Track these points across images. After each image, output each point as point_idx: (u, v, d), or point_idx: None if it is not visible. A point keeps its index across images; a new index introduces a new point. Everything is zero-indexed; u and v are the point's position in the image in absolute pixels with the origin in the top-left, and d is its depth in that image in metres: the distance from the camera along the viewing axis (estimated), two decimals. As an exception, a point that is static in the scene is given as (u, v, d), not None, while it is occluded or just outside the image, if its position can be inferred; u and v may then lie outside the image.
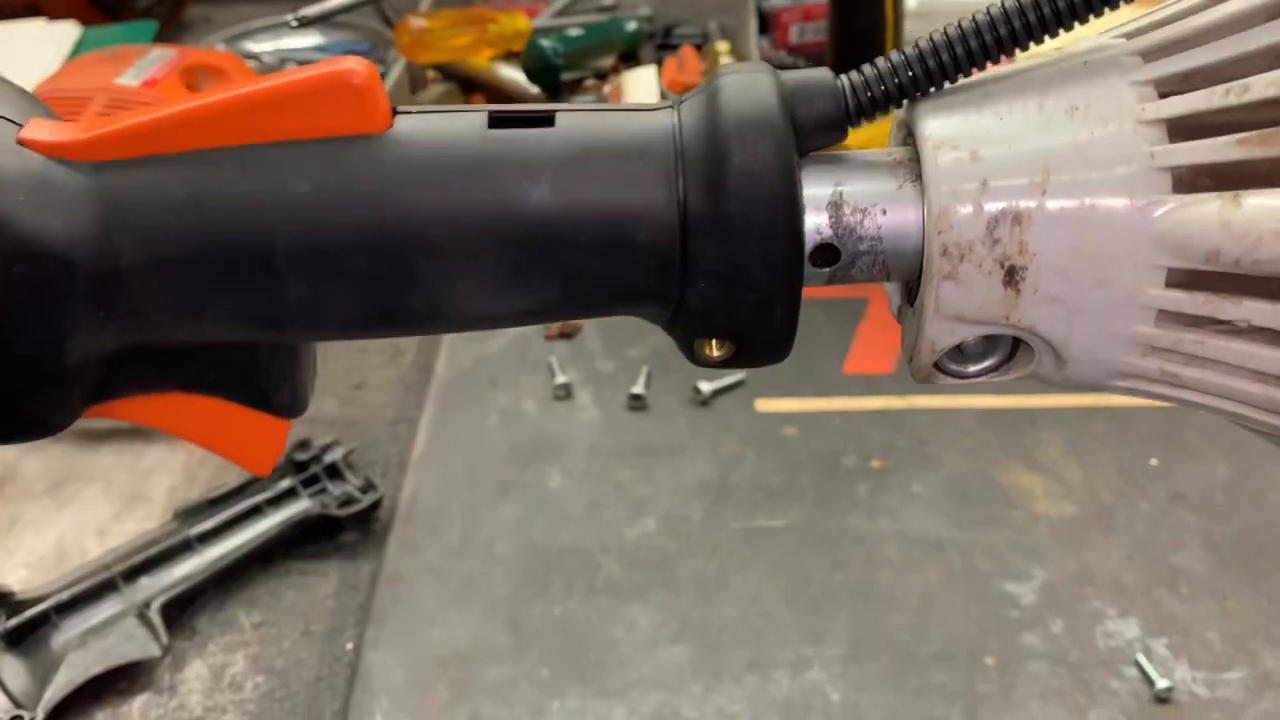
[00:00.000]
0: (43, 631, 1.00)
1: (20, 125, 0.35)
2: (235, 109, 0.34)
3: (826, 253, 0.34)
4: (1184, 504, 1.13)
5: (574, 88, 1.77)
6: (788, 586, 1.06)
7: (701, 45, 1.96)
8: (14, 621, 0.99)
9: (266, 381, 0.39)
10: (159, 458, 1.23)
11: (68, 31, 1.92)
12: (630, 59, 1.90)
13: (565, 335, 1.40)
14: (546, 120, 0.35)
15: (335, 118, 0.34)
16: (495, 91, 1.74)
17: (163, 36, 2.04)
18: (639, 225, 0.34)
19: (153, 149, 0.34)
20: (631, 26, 1.90)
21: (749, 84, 0.34)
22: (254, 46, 1.87)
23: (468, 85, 1.76)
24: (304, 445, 1.19)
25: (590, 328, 1.41)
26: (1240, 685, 0.95)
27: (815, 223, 0.34)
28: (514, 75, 1.72)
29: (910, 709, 0.95)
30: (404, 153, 0.34)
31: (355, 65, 0.34)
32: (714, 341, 0.35)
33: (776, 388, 1.30)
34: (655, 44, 1.98)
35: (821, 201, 0.34)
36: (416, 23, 1.59)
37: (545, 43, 1.69)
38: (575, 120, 0.35)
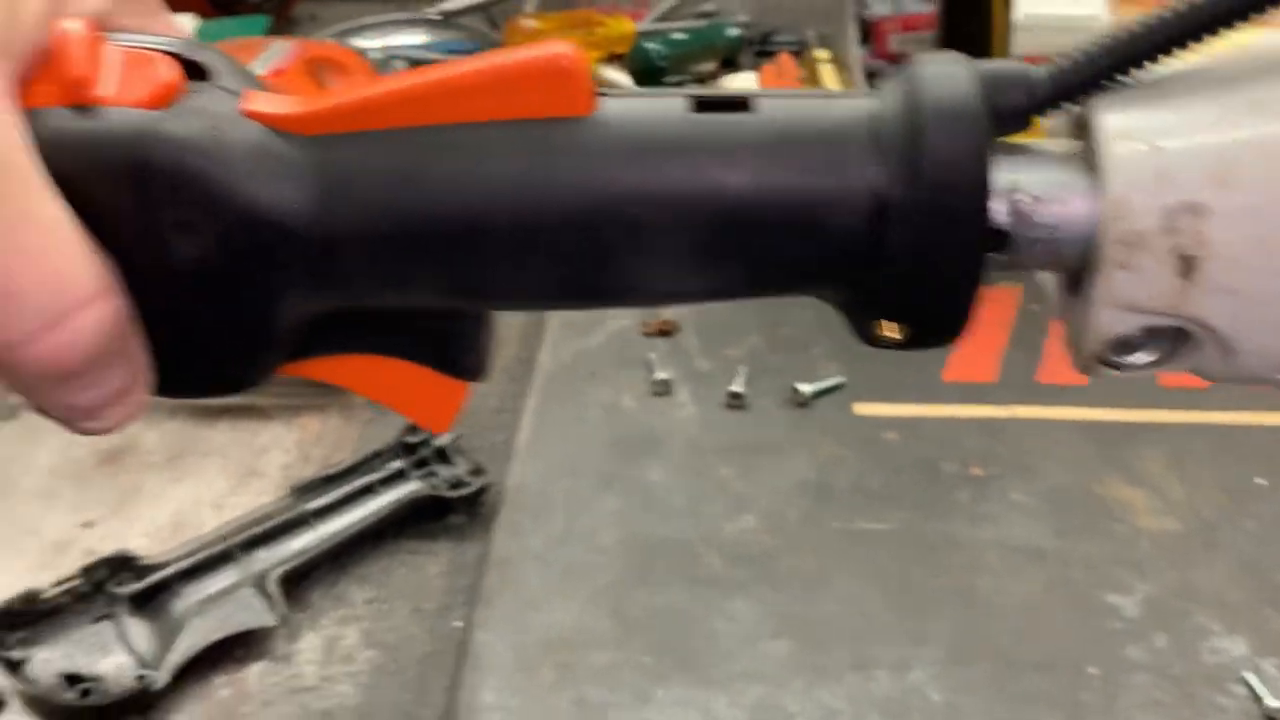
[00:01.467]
0: (164, 597, 1.04)
1: (238, 95, 0.37)
2: (447, 89, 0.36)
3: (1001, 240, 0.35)
4: (1291, 525, 1.12)
5: (674, 91, 1.79)
6: (889, 588, 1.07)
7: (799, 53, 1.97)
8: (140, 585, 1.03)
9: (456, 347, 0.41)
10: (274, 435, 1.26)
11: (185, 23, 1.98)
12: (730, 65, 1.92)
13: (664, 333, 1.42)
14: (745, 105, 0.36)
15: (544, 100, 0.35)
16: (597, 92, 1.76)
17: (273, 32, 2.09)
18: (834, 209, 0.35)
19: (366, 125, 0.36)
20: (733, 32, 1.92)
21: (948, 73, 0.35)
22: (361, 43, 1.91)
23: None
24: (414, 429, 1.22)
25: (689, 327, 1.43)
26: (1351, 708, 0.94)
27: (993, 210, 0.35)
28: (618, 78, 1.75)
29: (1013, 714, 0.95)
30: (610, 134, 0.35)
31: (566, 49, 0.36)
32: (892, 324, 0.37)
33: (875, 392, 1.30)
34: (754, 50, 2.00)
35: (1001, 189, 0.35)
36: (527, 24, 1.62)
37: (651, 46, 1.72)
38: (775, 105, 0.36)
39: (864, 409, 1.29)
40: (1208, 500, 1.15)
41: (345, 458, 1.20)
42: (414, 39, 1.92)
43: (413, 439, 1.21)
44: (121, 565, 1.04)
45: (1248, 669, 0.98)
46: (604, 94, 0.36)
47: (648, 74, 1.73)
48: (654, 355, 1.37)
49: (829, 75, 1.83)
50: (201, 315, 0.36)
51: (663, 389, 1.33)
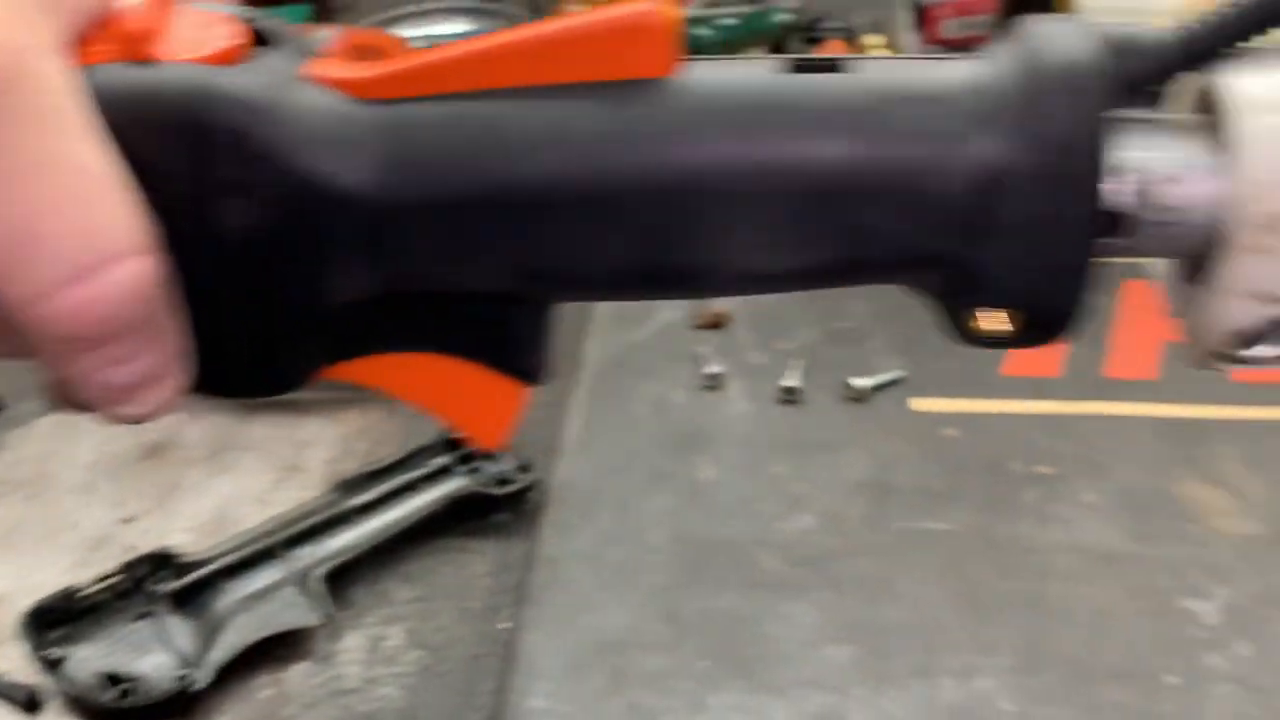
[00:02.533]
0: (206, 595, 1.01)
1: (303, 60, 0.34)
2: (526, 49, 0.33)
3: (1118, 221, 0.32)
4: (1379, 528, 1.06)
5: (722, 78, 1.75)
6: (955, 592, 1.02)
7: (849, 39, 1.92)
8: (181, 583, 1.00)
9: (517, 344, 0.38)
10: (315, 430, 1.24)
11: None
12: (778, 51, 1.88)
13: (715, 325, 1.38)
14: (842, 68, 0.33)
15: (627, 60, 0.32)
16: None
17: (313, 21, 2.07)
18: (940, 179, 0.31)
19: (438, 88, 0.33)
20: (782, 17, 1.87)
21: (1067, 33, 0.31)
22: (404, 31, 1.88)
23: (616, 73, 1.75)
24: (457, 424, 1.18)
25: (741, 320, 1.39)
26: None
27: (1116, 189, 0.31)
28: (664, 63, 1.71)
29: (1089, 726, 0.91)
30: (694, 96, 0.32)
31: (651, 6, 0.32)
32: (997, 313, 0.33)
33: (933, 387, 1.26)
34: (802, 36, 1.95)
35: (1123, 166, 0.31)
36: (575, 9, 1.58)
37: (700, 31, 1.68)
38: (874, 68, 0.33)
39: (922, 404, 1.24)
40: (1289, 501, 1.10)
41: (389, 453, 1.17)
42: (456, 27, 1.89)
43: (458, 434, 1.18)
44: (162, 562, 1.01)
45: (1339, 681, 0.92)
46: (688, 58, 0.33)
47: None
48: (704, 349, 1.33)
49: (881, 62, 1.79)
50: (246, 292, 0.33)
51: (714, 383, 1.29)
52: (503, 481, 1.13)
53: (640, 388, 1.29)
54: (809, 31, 1.97)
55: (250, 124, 0.32)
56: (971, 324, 0.34)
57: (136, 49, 0.32)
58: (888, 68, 0.33)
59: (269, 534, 1.06)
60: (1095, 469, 1.14)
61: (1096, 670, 0.95)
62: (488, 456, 1.16)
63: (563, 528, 1.10)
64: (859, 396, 1.25)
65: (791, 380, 1.27)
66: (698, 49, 1.71)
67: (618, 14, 0.32)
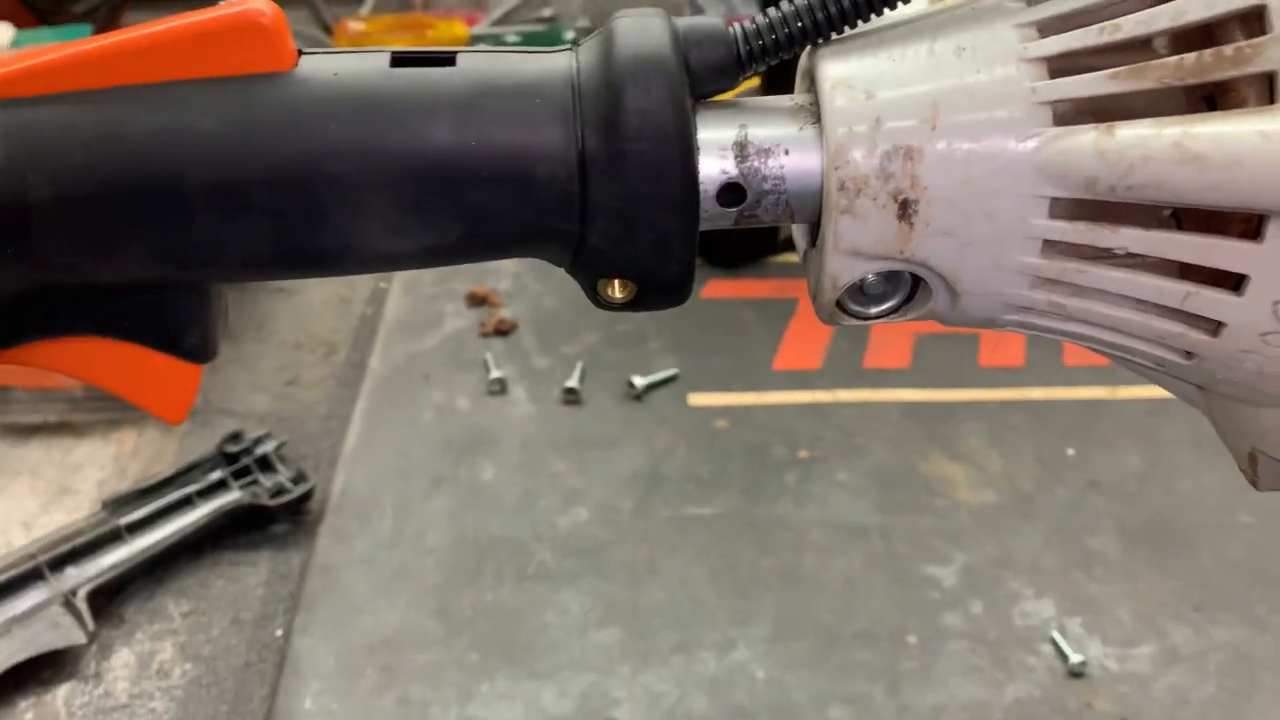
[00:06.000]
0: (-35, 621, 0.98)
1: None
2: (143, 47, 0.35)
3: (733, 193, 0.36)
4: (1099, 491, 1.17)
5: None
6: (716, 571, 1.08)
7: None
8: (-65, 610, 0.97)
9: (176, 325, 0.40)
10: (89, 451, 1.21)
11: (2, 32, 1.90)
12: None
13: (501, 333, 1.41)
14: (448, 60, 0.36)
15: (243, 56, 0.35)
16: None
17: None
18: (538, 163, 0.35)
19: (61, 86, 0.35)
20: (569, 35, 1.92)
21: (643, 26, 0.35)
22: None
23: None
24: (235, 438, 1.18)
25: (526, 325, 1.42)
26: (1149, 660, 0.99)
27: (720, 164, 0.35)
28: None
29: (835, 686, 0.97)
30: (310, 90, 0.35)
31: (261, 5, 0.35)
32: (616, 282, 0.37)
33: (709, 383, 1.32)
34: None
35: (727, 143, 0.35)
36: (355, 26, 1.60)
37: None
38: (476, 60, 0.36)
39: (698, 399, 1.30)
40: (1024, 471, 1.19)
41: (163, 469, 1.16)
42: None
43: (233, 448, 1.17)
44: (-85, 590, 0.98)
45: (1055, 629, 1.01)
46: (306, 52, 0.36)
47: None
48: (490, 355, 1.36)
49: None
50: None
51: (498, 388, 1.32)
52: (278, 493, 1.13)
53: (425, 395, 1.31)
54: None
55: None
56: (600, 293, 0.38)
57: None
58: (490, 60, 0.37)
59: (34, 555, 1.04)
60: (852, 451, 1.22)
61: (845, 635, 1.02)
62: (265, 468, 1.17)
63: (340, 534, 1.11)
64: (638, 395, 1.30)
65: (573, 381, 1.31)
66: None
67: (224, 14, 0.35)
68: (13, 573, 1.02)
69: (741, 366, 1.35)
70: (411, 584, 1.06)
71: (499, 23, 2.02)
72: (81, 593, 1.00)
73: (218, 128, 0.35)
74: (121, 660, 0.99)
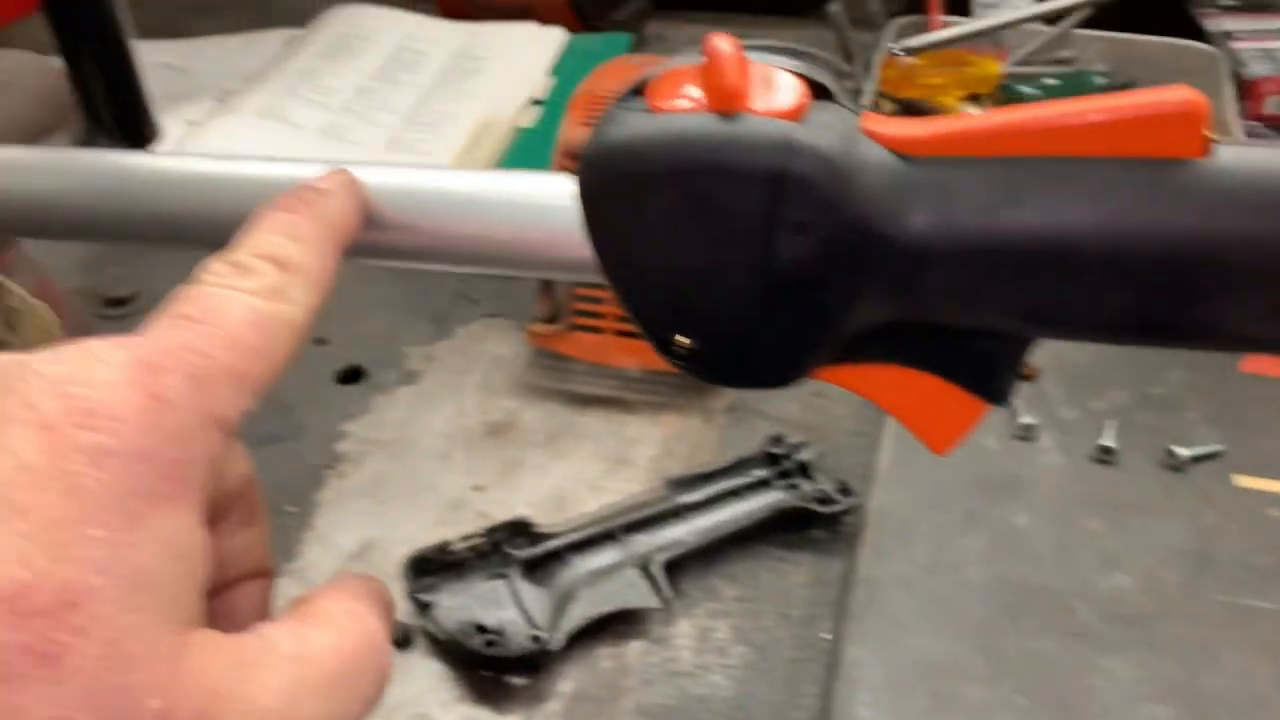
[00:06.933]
0: (553, 566, 1.10)
1: (857, 115, 0.41)
2: (1062, 124, 0.37)
3: None
4: None
5: (1036, 135, 1.76)
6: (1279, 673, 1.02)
7: (1169, 106, 1.90)
8: (534, 551, 1.10)
9: (993, 368, 0.42)
10: (640, 428, 1.32)
11: (556, 36, 2.09)
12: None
13: (1026, 377, 1.40)
14: None
15: (1159, 140, 0.36)
16: (958, 130, 1.76)
17: (632, 50, 2.18)
18: None
19: (973, 151, 0.38)
20: (1099, 81, 1.87)
21: None
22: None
23: (929, 121, 1.79)
24: (778, 440, 1.25)
25: (1051, 373, 1.40)
26: None
27: None
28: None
29: None
30: (1225, 179, 0.36)
31: (1194, 94, 0.36)
32: None
33: (1258, 466, 1.24)
34: (1118, 100, 1.94)
35: None
36: (904, 61, 1.64)
37: (1026, 89, 1.70)
38: None
39: (1246, 481, 1.23)
40: None
41: (706, 457, 1.24)
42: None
43: (777, 450, 1.24)
44: (519, 530, 1.11)
45: None
46: (1215, 140, 0.37)
47: (1017, 116, 1.72)
48: (1018, 400, 1.35)
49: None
50: (786, 307, 0.40)
51: (1026, 433, 1.31)
52: (824, 500, 1.18)
53: (950, 429, 1.32)
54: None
55: (822, 174, 0.39)
56: None
57: (729, 102, 0.40)
58: None
59: (607, 518, 1.15)
60: None
61: None
62: (805, 475, 1.22)
63: (881, 552, 1.15)
64: (1178, 465, 1.25)
65: (1108, 440, 1.27)
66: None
67: (1156, 99, 0.37)
68: (593, 530, 1.13)
69: (1294, 453, 1.26)
70: (953, 615, 1.08)
71: (1024, 62, 2.00)
72: (657, 561, 1.09)
73: (1121, 207, 0.37)
74: (683, 630, 1.08)
